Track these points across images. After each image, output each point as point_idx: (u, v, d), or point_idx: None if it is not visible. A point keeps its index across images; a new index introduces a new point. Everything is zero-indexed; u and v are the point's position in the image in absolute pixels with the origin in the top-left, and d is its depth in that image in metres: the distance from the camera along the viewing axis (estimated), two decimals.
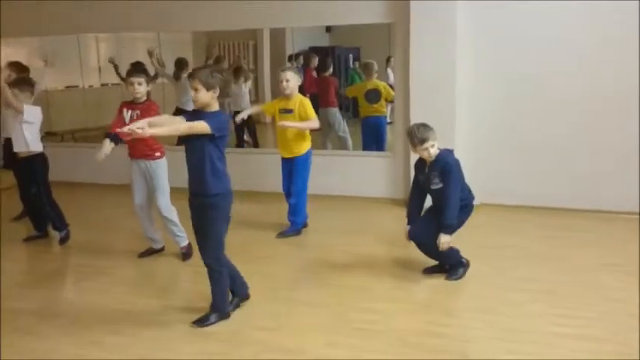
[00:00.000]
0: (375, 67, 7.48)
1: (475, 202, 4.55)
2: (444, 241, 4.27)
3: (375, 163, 7.01)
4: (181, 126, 3.55)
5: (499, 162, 6.38)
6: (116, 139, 4.67)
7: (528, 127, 6.26)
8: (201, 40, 8.93)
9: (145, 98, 4.85)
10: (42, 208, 5.57)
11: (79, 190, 7.38)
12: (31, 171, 5.46)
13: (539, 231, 5.68)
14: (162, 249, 5.26)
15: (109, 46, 8.92)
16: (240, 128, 8.06)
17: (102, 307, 4.23)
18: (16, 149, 5.42)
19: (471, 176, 4.74)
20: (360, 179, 7.00)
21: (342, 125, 7.89)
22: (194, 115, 3.64)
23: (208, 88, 3.56)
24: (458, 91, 6.23)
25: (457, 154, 4.44)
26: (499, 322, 3.79)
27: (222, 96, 3.67)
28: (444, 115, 6.14)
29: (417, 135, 4.25)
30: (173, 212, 5.04)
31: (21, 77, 5.56)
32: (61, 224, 5.61)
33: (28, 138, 5.34)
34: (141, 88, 4.79)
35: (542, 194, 6.27)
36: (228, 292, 3.94)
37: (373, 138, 7.54)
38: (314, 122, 5.45)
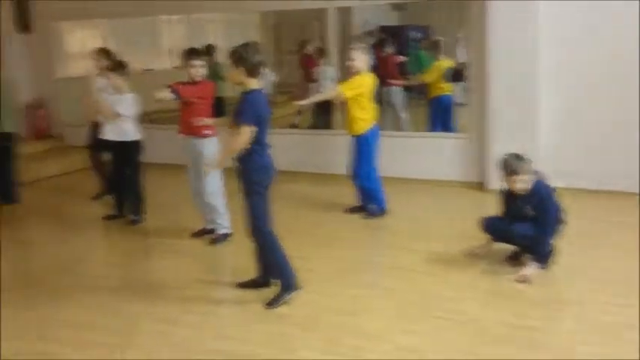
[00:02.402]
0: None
1: (555, 185, 4.31)
2: (530, 273, 4.06)
3: (450, 146, 6.78)
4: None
5: (582, 142, 6.03)
6: (175, 93, 4.79)
7: (611, 106, 5.89)
8: (267, 21, 8.90)
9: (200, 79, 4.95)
10: (130, 190, 5.66)
11: (156, 171, 7.48)
12: (127, 154, 5.54)
13: (624, 217, 5.34)
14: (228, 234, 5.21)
15: (180, 28, 9.02)
16: (322, 109, 7.66)
17: (175, 285, 4.30)
18: (111, 133, 5.49)
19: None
20: (435, 162, 6.79)
21: (403, 105, 7.67)
22: (239, 101, 3.71)
23: (236, 65, 3.65)
24: (539, 72, 5.92)
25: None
26: (585, 314, 3.60)
27: (253, 75, 3.67)
28: (524, 95, 5.89)
29: (510, 166, 4.09)
30: (218, 198, 5.02)
31: (117, 62, 5.56)
32: (139, 209, 5.73)
33: (124, 124, 5.43)
34: (201, 70, 4.90)
35: (623, 177, 5.90)
36: (288, 263, 3.88)
37: (442, 118, 7.29)
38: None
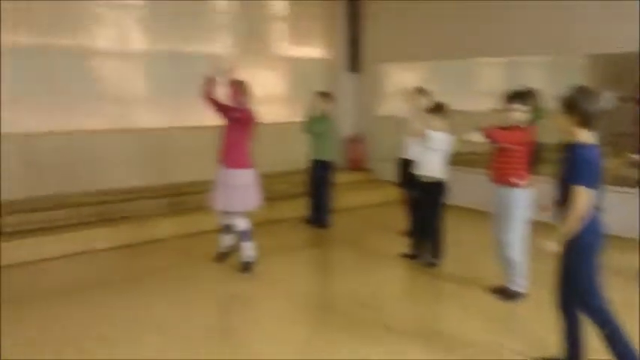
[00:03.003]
0: None
1: None
2: None
3: None
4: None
5: None
6: (488, 136, 4.50)
7: None
8: (596, 63, 8.06)
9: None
10: (431, 232, 5.64)
11: (459, 214, 7.31)
12: (432, 194, 5.54)
13: None
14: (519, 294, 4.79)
15: (498, 70, 8.79)
16: None
17: (461, 338, 4.04)
18: (419, 172, 5.53)
19: None
20: None
21: None
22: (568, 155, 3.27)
23: (568, 112, 3.25)
24: None
25: None
26: None
27: (586, 126, 3.22)
28: None
29: None
30: (519, 252, 4.62)
31: (435, 103, 5.58)
32: (438, 252, 5.64)
33: (432, 164, 5.42)
34: (522, 115, 4.53)
35: None
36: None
37: None
38: None
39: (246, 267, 5.44)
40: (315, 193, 7.15)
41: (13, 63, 6.72)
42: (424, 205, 5.60)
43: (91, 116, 7.36)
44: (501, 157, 4.60)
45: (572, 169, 3.21)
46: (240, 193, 5.27)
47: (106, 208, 6.70)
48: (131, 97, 7.82)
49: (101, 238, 6.20)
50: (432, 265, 5.60)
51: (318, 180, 7.05)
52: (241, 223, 5.43)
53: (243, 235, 5.45)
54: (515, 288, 4.75)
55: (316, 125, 6.84)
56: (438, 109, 5.38)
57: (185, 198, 7.23)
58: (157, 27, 7.88)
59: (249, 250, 5.45)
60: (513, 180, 4.55)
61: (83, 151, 7.12)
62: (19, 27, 6.79)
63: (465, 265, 5.69)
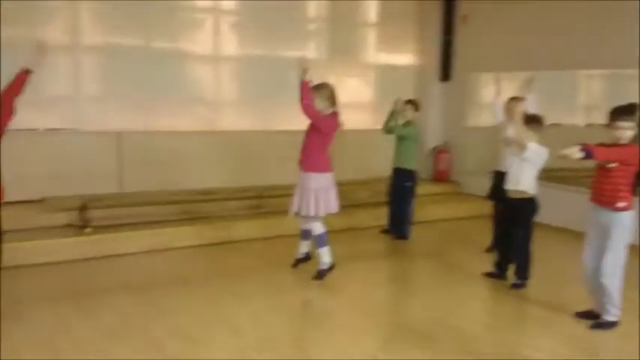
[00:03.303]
0: None
1: None
2: None
3: None
4: None
5: None
6: (588, 153, 3.97)
7: None
8: None
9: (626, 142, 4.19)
10: (518, 251, 5.30)
11: (549, 233, 6.89)
12: (519, 213, 5.22)
13: None
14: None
15: (599, 84, 8.25)
16: None
17: None
18: (508, 186, 5.23)
19: None
20: None
21: None
22: None
23: None
24: None
25: None
26: None
27: None
28: None
29: None
30: (615, 280, 4.26)
31: (531, 115, 5.21)
32: (525, 273, 5.29)
33: (525, 178, 5.09)
34: (625, 133, 4.15)
35: None
36: None
37: None
38: None
39: (320, 274, 5.36)
40: (396, 203, 6.96)
41: (111, 63, 7.06)
42: (513, 222, 5.27)
43: (181, 117, 7.58)
44: (604, 176, 4.24)
45: None
46: (314, 196, 5.20)
47: (189, 207, 6.83)
48: (220, 99, 8.00)
49: (182, 236, 6.32)
50: (517, 286, 5.27)
51: (399, 189, 6.85)
52: (317, 228, 5.35)
53: (319, 241, 5.37)
54: (608, 317, 4.38)
55: (398, 128, 6.66)
56: (533, 120, 5.06)
57: (267, 201, 7.26)
58: (249, 32, 8.00)
59: (324, 256, 5.36)
60: (619, 203, 4.19)
61: (172, 150, 7.31)
62: (122, 29, 7.11)
63: (552, 288, 5.33)
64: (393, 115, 6.69)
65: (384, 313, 4.83)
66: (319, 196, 5.19)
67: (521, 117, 5.08)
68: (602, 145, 4.21)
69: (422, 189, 7.48)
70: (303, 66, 4.97)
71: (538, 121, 5.07)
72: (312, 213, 5.23)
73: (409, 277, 5.96)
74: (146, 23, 7.25)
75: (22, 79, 4.19)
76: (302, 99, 4.95)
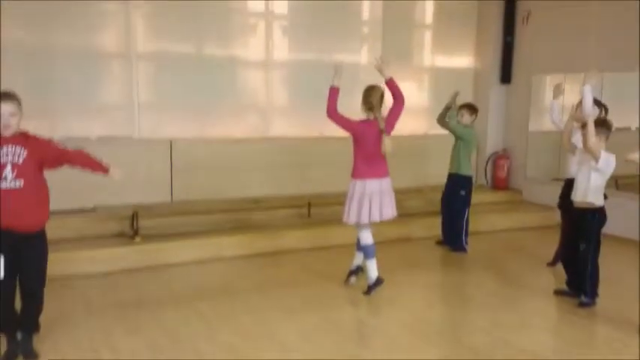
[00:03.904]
0: None
1: None
2: None
3: None
4: None
5: None
6: None
7: None
8: None
9: None
10: (584, 266, 4.91)
11: (617, 245, 6.41)
12: (585, 225, 4.85)
13: None
14: None
15: None
16: None
17: None
18: (575, 197, 4.88)
19: None
20: None
21: None
22: None
23: None
24: None
25: None
26: None
27: None
28: None
29: None
30: None
31: (600, 119, 4.91)
32: (591, 291, 4.91)
33: (591, 187, 4.73)
34: None
35: None
36: None
37: None
38: None
39: (368, 289, 5.12)
40: (448, 212, 6.64)
41: (162, 69, 7.07)
42: (579, 235, 4.90)
43: (232, 124, 7.51)
44: None
45: None
46: (347, 204, 5.03)
47: (238, 215, 6.73)
48: (271, 105, 7.87)
49: (231, 246, 6.20)
50: (585, 304, 4.89)
51: (453, 197, 6.53)
52: (363, 238, 5.14)
53: (364, 252, 5.15)
54: None
55: (454, 122, 6.34)
56: (601, 124, 4.68)
57: (318, 210, 7.08)
58: (301, 36, 7.86)
59: (370, 270, 5.12)
60: None
61: (222, 158, 7.23)
62: (174, 35, 7.09)
63: (621, 305, 4.94)
64: (447, 109, 6.42)
65: (439, 332, 4.54)
66: (352, 203, 5.02)
67: (594, 124, 4.67)
68: None
69: (480, 197, 7.14)
70: (337, 71, 5.01)
71: (607, 126, 4.69)
72: (343, 219, 5.10)
73: (466, 292, 5.62)
74: (197, 29, 7.21)
75: (94, 165, 3.91)
76: (327, 104, 4.98)
